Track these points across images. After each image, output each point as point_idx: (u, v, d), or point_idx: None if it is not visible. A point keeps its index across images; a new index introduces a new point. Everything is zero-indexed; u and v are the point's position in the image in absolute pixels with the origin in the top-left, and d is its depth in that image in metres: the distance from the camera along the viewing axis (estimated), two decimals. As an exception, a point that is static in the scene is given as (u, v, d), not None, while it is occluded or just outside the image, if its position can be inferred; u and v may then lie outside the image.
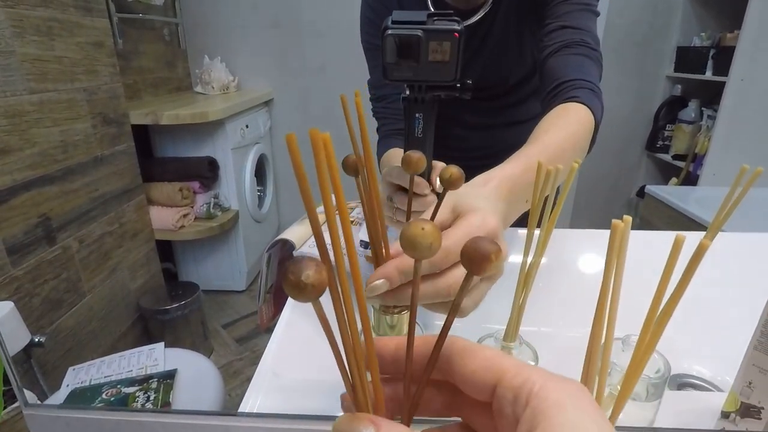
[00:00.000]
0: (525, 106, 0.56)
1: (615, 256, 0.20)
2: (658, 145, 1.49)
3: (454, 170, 0.23)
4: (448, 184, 0.24)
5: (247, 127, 1.25)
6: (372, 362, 0.13)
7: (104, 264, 1.02)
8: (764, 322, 0.38)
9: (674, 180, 1.40)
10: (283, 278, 0.15)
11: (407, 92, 0.32)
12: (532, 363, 0.44)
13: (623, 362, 0.44)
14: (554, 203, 0.27)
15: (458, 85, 0.33)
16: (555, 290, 0.46)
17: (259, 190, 1.37)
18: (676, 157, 1.32)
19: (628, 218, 0.19)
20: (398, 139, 0.51)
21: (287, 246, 0.64)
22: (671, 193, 0.99)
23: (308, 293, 0.12)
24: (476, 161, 0.61)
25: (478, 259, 0.15)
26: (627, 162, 1.37)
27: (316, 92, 1.29)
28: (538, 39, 0.43)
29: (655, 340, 0.20)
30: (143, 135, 1.13)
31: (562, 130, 0.35)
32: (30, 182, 0.84)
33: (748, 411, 0.40)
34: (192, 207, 1.17)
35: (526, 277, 0.36)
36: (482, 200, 0.25)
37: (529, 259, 0.31)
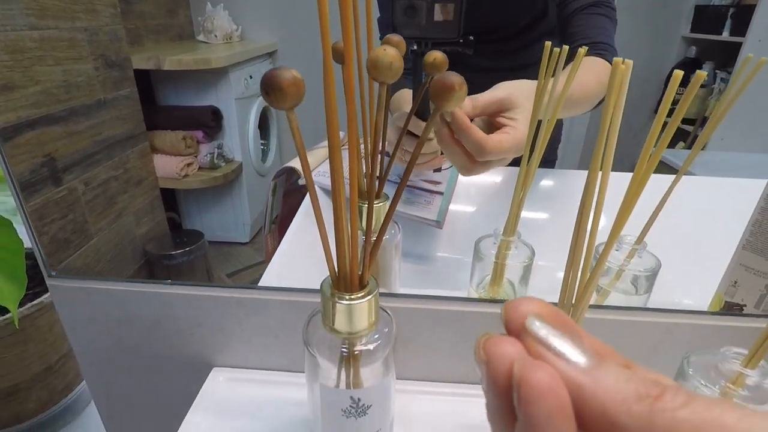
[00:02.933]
0: (530, 49, 0.57)
1: (615, 95, 0.20)
2: (669, 108, 1.48)
3: (438, 54, 0.26)
4: (432, 68, 0.26)
5: (250, 77, 1.23)
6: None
7: (110, 208, 1.03)
8: (753, 222, 0.38)
9: (681, 144, 1.39)
10: (261, 86, 0.15)
11: (415, 47, 0.35)
12: (529, 261, 0.45)
13: (616, 262, 0.45)
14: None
15: (461, 41, 0.37)
16: (552, 199, 0.46)
17: (262, 144, 1.36)
18: (685, 121, 1.30)
19: (629, 62, 0.19)
20: (406, 78, 0.52)
21: (293, 177, 0.63)
22: (678, 156, 0.99)
23: (286, 96, 0.12)
24: (482, 87, 0.61)
25: (443, 90, 0.16)
26: (634, 125, 1.35)
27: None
28: None
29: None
30: (146, 82, 1.12)
31: (591, 71, 0.40)
32: (34, 121, 0.84)
33: (731, 309, 0.41)
34: (196, 156, 1.17)
35: (526, 175, 0.37)
36: (525, 100, 0.31)
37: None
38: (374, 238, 0.27)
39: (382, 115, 0.27)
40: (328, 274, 0.28)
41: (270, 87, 0.13)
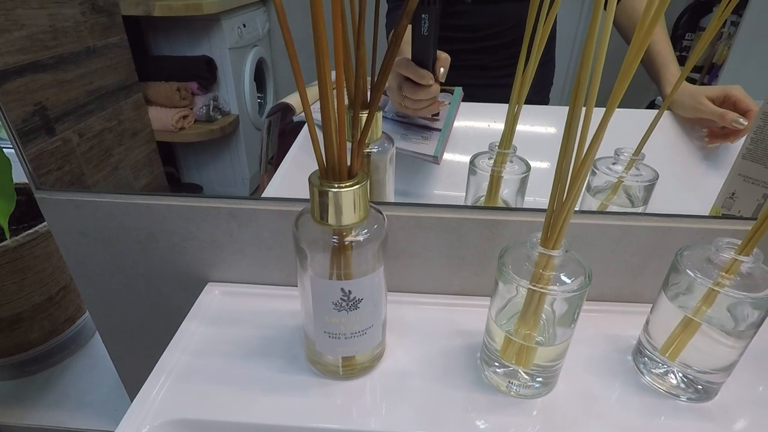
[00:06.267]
0: (548, 46, 0.55)
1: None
2: (675, 55, 1.43)
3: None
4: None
5: (244, 26, 1.19)
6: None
7: (106, 161, 1.02)
8: (755, 129, 0.37)
9: (695, 85, 1.36)
10: None
11: None
12: (525, 174, 0.44)
13: (615, 174, 0.44)
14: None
15: None
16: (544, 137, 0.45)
17: (259, 98, 1.34)
18: (693, 68, 1.25)
19: None
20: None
21: (289, 115, 0.62)
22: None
23: None
24: (484, 41, 0.59)
25: None
26: (640, 72, 1.31)
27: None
28: None
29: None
30: (136, 30, 1.08)
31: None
32: (22, 67, 0.82)
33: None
34: (191, 109, 1.15)
35: (520, 88, 0.36)
36: None
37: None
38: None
39: (364, 6, 0.26)
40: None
41: None
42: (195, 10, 0.95)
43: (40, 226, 0.72)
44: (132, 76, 0.99)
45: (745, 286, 0.32)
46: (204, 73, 1.09)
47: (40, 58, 0.80)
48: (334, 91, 0.24)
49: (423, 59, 0.42)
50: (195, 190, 1.04)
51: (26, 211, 0.60)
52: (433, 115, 0.53)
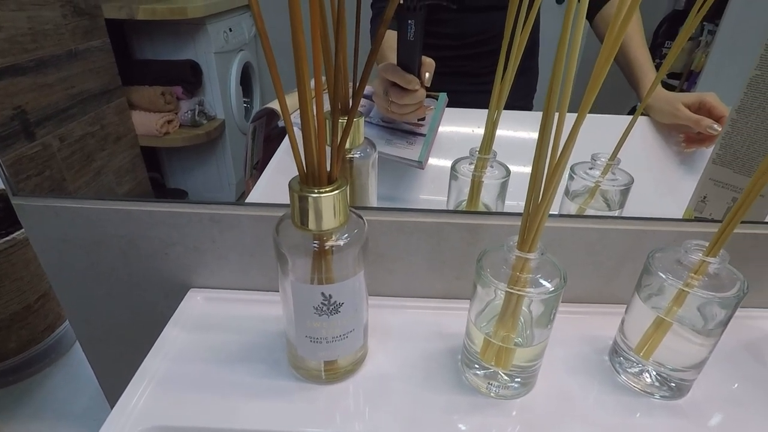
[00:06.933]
0: (531, 51, 0.57)
1: (573, 8, 0.20)
2: (654, 63, 1.47)
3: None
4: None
5: (230, 30, 1.18)
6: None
7: (88, 166, 1.00)
8: (723, 135, 0.39)
9: (672, 92, 1.40)
10: None
11: (402, 1, 0.37)
12: (504, 178, 0.45)
13: (592, 179, 0.46)
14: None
15: None
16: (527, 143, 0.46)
17: (245, 102, 1.33)
18: (671, 75, 1.29)
19: None
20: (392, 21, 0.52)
21: (274, 120, 0.63)
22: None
23: None
24: (468, 49, 0.61)
25: None
26: (620, 79, 1.35)
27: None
28: None
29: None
30: (120, 34, 1.07)
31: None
32: (1, 71, 0.81)
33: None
34: (176, 113, 1.14)
35: (500, 95, 0.37)
36: None
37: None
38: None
39: (343, 9, 0.26)
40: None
41: None
42: (180, 14, 0.95)
43: (17, 233, 0.71)
44: (115, 80, 0.98)
45: (712, 287, 0.33)
46: (189, 77, 1.08)
47: (20, 61, 0.79)
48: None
49: (409, 64, 0.42)
50: (180, 195, 1.03)
51: (3, 218, 0.59)
52: (418, 120, 0.54)
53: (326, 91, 0.31)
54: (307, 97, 0.25)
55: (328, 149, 0.28)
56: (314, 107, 0.26)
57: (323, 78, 0.28)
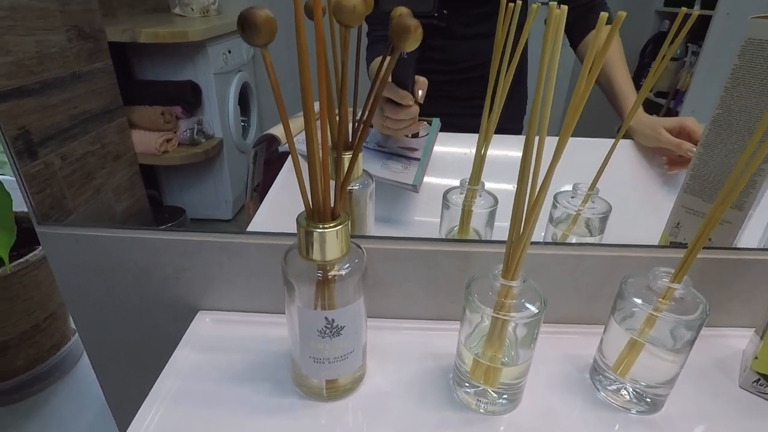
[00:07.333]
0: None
1: (551, 38, 0.23)
2: (641, 83, 1.53)
3: (403, 9, 0.30)
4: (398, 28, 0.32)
5: (229, 52, 1.22)
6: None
7: (88, 184, 1.02)
8: (692, 166, 0.42)
9: (654, 117, 1.45)
10: (237, 23, 0.18)
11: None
12: (492, 208, 0.49)
13: (573, 208, 0.49)
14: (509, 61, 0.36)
15: (435, 14, 0.42)
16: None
17: (243, 121, 1.36)
18: (658, 94, 1.34)
19: (565, 7, 0.22)
20: (385, 46, 0.54)
21: (274, 144, 0.66)
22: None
23: (260, 32, 0.15)
24: (459, 74, 0.66)
25: (401, 32, 0.19)
26: (608, 103, 1.39)
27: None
28: None
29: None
30: (122, 56, 1.10)
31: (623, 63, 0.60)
32: (7, 93, 0.83)
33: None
34: (175, 132, 1.17)
35: (487, 131, 0.40)
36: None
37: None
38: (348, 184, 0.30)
39: (346, 56, 0.29)
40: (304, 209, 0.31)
41: (245, 23, 0.15)
42: (181, 37, 0.98)
43: (30, 255, 0.72)
44: (116, 100, 1.01)
45: (678, 310, 0.37)
46: (189, 97, 1.11)
47: (26, 83, 0.81)
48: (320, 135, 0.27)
49: (403, 81, 0.45)
50: (177, 212, 1.05)
51: (17, 241, 0.60)
52: (412, 137, 0.57)
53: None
54: (314, 139, 0.28)
55: (332, 182, 0.31)
56: (320, 151, 0.29)
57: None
